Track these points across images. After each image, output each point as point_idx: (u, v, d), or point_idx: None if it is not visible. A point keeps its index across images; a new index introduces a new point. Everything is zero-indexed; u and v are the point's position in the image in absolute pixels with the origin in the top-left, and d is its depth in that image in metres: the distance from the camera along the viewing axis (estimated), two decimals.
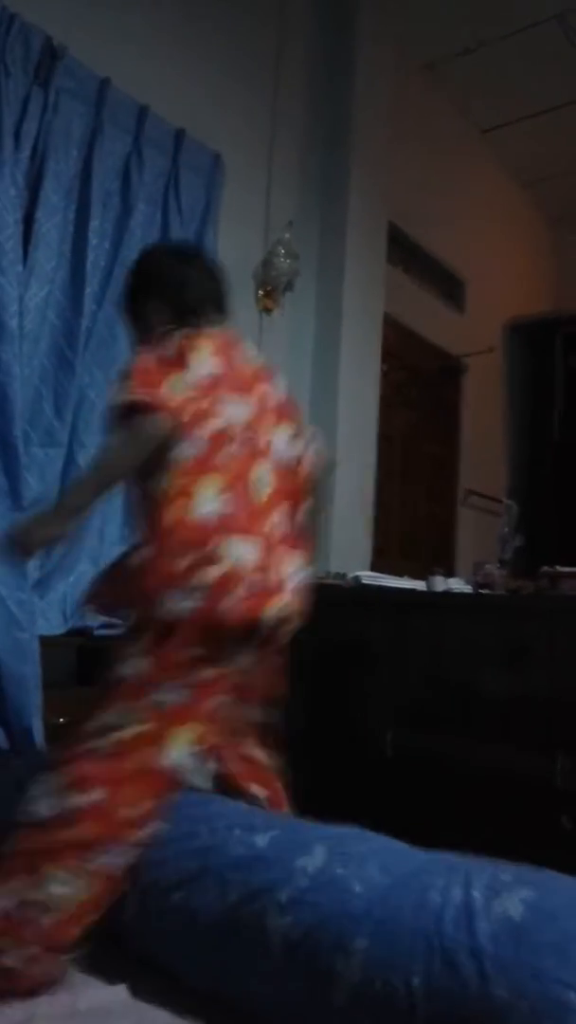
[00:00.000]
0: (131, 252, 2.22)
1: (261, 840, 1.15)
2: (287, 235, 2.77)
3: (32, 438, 2.02)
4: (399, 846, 1.14)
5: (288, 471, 1.34)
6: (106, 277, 2.17)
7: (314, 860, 1.09)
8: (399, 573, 2.43)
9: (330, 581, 2.28)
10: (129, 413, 1.18)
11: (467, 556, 3.79)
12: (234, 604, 1.16)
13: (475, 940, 0.92)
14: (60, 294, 2.07)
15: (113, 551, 2.23)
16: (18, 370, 1.89)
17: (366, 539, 3.05)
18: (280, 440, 1.35)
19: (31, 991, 1.08)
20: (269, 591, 1.21)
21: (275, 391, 1.40)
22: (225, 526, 1.18)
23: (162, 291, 1.41)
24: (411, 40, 3.41)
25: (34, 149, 2.00)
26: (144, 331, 1.41)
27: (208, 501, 1.18)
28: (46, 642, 1.93)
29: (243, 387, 1.32)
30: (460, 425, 4.06)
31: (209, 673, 1.18)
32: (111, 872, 1.11)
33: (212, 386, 1.26)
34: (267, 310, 2.76)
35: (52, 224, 2.04)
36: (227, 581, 1.16)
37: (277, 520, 1.27)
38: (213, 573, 1.15)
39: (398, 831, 1.19)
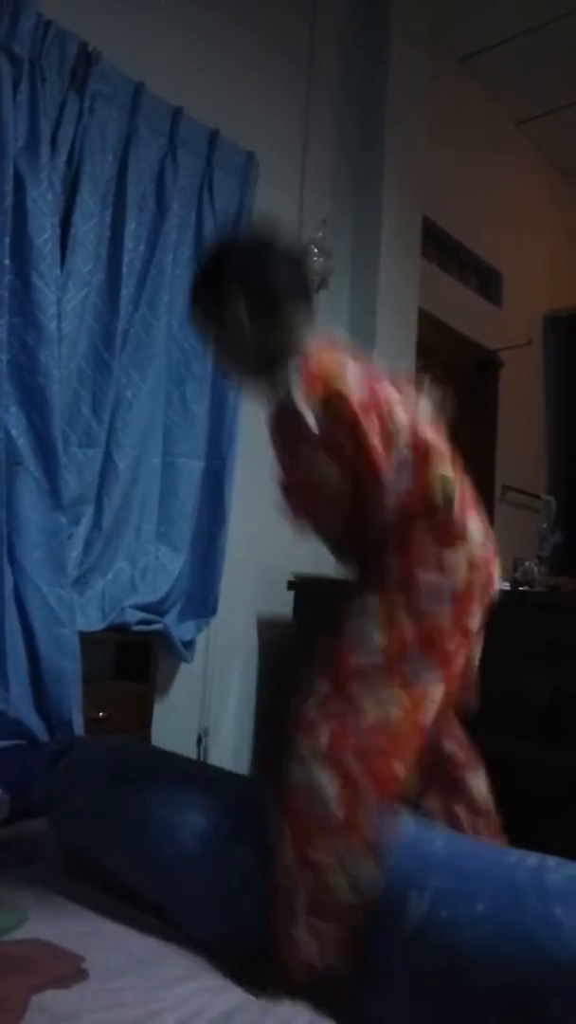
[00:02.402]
0: (166, 254, 2.24)
1: None
2: (321, 234, 2.77)
3: (71, 438, 2.05)
4: None
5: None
6: (141, 280, 2.20)
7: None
8: None
9: None
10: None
11: (505, 553, 3.74)
12: (480, 578, 1.22)
13: (543, 883, 1.01)
14: (97, 297, 2.10)
15: (149, 549, 2.26)
16: (57, 372, 1.93)
17: None
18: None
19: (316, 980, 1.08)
20: (494, 561, 1.28)
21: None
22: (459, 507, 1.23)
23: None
24: (444, 33, 3.38)
25: (70, 154, 2.04)
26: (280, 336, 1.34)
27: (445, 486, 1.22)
28: (85, 638, 1.97)
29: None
30: (497, 420, 4.01)
31: (463, 652, 1.24)
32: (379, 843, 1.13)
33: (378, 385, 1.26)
34: None
35: (89, 228, 2.07)
36: (472, 558, 1.21)
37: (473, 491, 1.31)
38: (461, 552, 1.20)
39: None
